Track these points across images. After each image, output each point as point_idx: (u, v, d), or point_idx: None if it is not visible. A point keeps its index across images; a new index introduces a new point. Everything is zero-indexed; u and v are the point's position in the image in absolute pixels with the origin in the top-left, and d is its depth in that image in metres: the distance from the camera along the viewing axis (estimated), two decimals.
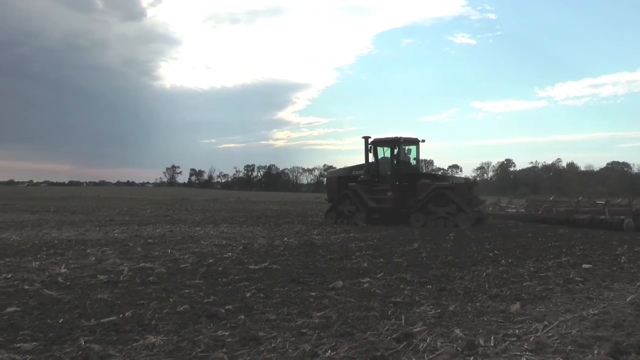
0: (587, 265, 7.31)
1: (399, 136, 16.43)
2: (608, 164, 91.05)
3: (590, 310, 4.62)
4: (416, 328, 4.01)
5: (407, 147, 16.84)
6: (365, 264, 7.43)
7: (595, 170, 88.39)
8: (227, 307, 4.64)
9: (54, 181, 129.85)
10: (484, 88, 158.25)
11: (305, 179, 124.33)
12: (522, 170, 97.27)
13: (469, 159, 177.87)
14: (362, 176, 16.74)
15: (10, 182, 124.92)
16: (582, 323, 4.20)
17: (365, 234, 12.68)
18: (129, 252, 8.69)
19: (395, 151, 16.47)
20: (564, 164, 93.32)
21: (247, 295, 5.24)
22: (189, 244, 10.17)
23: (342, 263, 7.64)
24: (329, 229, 14.42)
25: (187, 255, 8.30)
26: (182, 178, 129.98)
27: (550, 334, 3.85)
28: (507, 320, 4.29)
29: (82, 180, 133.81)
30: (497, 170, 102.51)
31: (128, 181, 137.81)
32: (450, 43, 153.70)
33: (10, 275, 6.27)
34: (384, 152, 16.80)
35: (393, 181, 16.22)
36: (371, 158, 16.84)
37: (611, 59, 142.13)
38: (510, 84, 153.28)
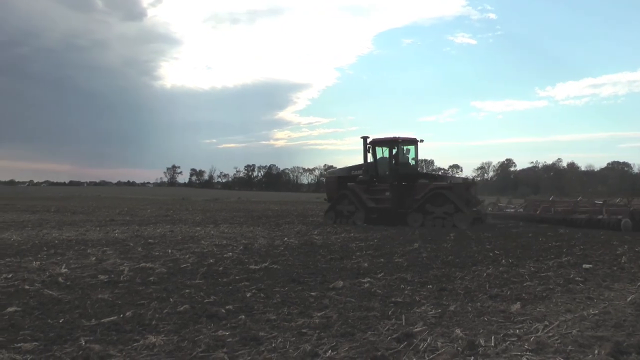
0: (587, 265, 7.31)
1: (397, 136, 16.47)
2: (608, 164, 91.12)
3: (591, 310, 4.62)
4: (417, 328, 4.01)
5: (405, 147, 16.86)
6: (366, 264, 7.43)
7: (595, 170, 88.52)
8: (227, 307, 4.64)
9: (55, 181, 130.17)
10: (485, 88, 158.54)
11: (305, 179, 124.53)
12: (523, 170, 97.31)
13: (470, 159, 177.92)
14: (360, 176, 16.78)
15: (11, 182, 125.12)
16: (583, 323, 4.20)
17: (365, 234, 12.68)
18: (129, 252, 8.69)
19: (394, 151, 16.50)
20: (564, 163, 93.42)
21: (248, 295, 5.24)
22: (190, 244, 10.18)
23: (342, 263, 7.64)
24: (329, 229, 14.42)
25: (187, 255, 8.30)
26: (183, 178, 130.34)
27: (550, 334, 3.85)
28: (507, 320, 4.29)
29: (82, 180, 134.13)
30: (497, 170, 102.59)
31: (128, 181, 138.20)
32: (451, 43, 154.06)
33: (10, 275, 6.28)
34: (383, 152, 16.82)
35: (391, 181, 16.23)
36: (370, 158, 16.87)
37: (611, 59, 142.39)
38: (511, 83, 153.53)
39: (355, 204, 16.39)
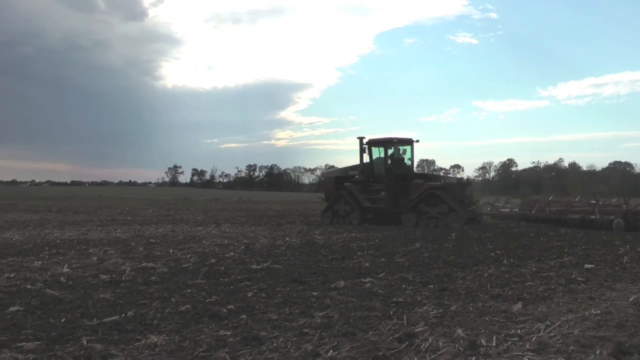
0: (589, 265, 7.30)
1: (393, 136, 16.53)
2: (610, 163, 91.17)
3: (593, 311, 4.61)
4: (418, 328, 4.01)
5: (401, 148, 16.95)
6: (367, 264, 7.43)
7: (597, 170, 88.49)
8: (229, 306, 4.64)
9: (56, 181, 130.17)
10: (486, 88, 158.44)
11: (307, 179, 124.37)
12: (524, 170, 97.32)
13: (471, 159, 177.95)
14: (357, 176, 16.82)
15: (13, 182, 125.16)
16: (584, 323, 4.20)
17: (367, 233, 12.68)
18: (131, 252, 8.71)
19: (390, 151, 16.59)
20: (566, 163, 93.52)
21: (249, 295, 5.24)
22: (191, 243, 10.19)
23: (343, 263, 7.64)
24: (330, 228, 14.43)
25: (189, 255, 8.31)
26: (184, 178, 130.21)
27: (552, 334, 3.85)
28: (509, 320, 4.29)
29: (84, 180, 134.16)
30: (499, 170, 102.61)
31: (130, 181, 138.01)
32: (452, 43, 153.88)
33: (12, 275, 6.29)
34: (379, 153, 16.89)
35: (387, 181, 16.27)
36: (366, 158, 16.93)
37: (613, 59, 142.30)
38: (512, 83, 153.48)
39: (351, 204, 16.46)
